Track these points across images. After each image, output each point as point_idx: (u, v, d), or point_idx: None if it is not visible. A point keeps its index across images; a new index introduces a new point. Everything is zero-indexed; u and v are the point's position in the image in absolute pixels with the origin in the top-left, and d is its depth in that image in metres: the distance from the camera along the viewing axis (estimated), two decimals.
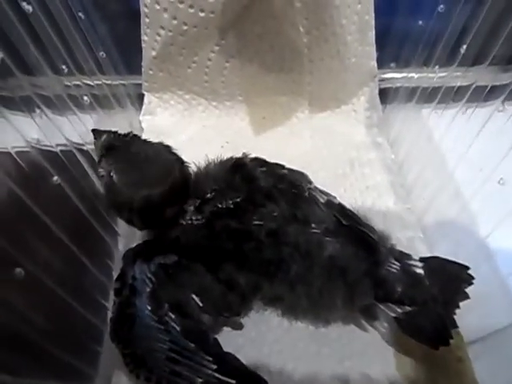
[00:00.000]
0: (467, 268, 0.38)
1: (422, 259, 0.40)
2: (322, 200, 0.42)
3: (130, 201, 0.37)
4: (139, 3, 0.50)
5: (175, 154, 0.40)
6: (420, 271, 0.38)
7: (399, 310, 0.38)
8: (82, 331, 0.38)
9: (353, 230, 0.40)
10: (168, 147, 0.40)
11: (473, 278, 0.38)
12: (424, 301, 0.37)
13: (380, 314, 0.39)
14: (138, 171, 0.38)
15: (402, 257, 0.40)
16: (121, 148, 0.39)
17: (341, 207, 0.43)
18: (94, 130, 0.41)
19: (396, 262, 0.39)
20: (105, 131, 0.41)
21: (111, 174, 0.37)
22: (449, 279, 0.38)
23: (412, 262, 0.39)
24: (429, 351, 0.37)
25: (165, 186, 0.37)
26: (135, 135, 0.41)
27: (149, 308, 0.36)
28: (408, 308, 0.37)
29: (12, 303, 0.28)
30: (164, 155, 0.39)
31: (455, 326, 0.37)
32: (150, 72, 0.57)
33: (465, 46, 0.45)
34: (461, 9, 0.45)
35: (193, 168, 0.42)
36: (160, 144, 0.40)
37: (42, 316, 0.32)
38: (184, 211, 0.39)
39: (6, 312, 0.27)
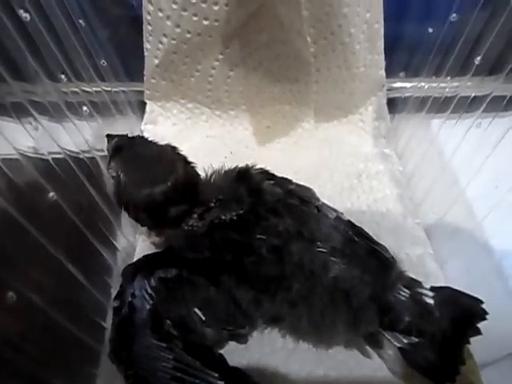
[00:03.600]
0: (481, 302, 0.36)
1: (433, 288, 0.38)
2: (330, 215, 0.41)
3: (135, 199, 0.37)
4: (142, 10, 0.49)
5: (180, 155, 0.40)
6: (430, 301, 0.36)
7: (405, 341, 0.36)
8: (76, 353, 0.36)
9: (364, 247, 0.38)
10: (174, 148, 0.41)
11: (486, 313, 0.35)
12: (432, 333, 0.35)
13: (384, 342, 0.37)
14: (142, 170, 0.38)
15: (412, 284, 0.38)
16: (127, 149, 0.40)
17: (351, 224, 0.41)
18: (107, 135, 0.42)
19: (405, 289, 0.37)
20: (117, 135, 0.42)
21: (118, 173, 0.38)
22: (461, 312, 0.36)
23: (422, 291, 0.37)
24: None
25: (166, 183, 0.37)
26: (142, 137, 0.42)
27: (149, 326, 0.35)
28: (415, 339, 0.36)
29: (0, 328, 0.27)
30: (169, 155, 0.40)
31: (463, 363, 0.35)
32: (153, 80, 0.56)
33: (479, 58, 0.43)
34: (475, 18, 0.44)
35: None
36: (167, 145, 0.41)
37: (34, 340, 0.30)
38: (190, 214, 0.38)
39: None
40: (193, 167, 0.41)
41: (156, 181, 0.37)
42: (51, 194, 0.33)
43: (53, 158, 0.34)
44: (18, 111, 0.31)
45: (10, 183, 0.29)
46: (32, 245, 0.30)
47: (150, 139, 0.42)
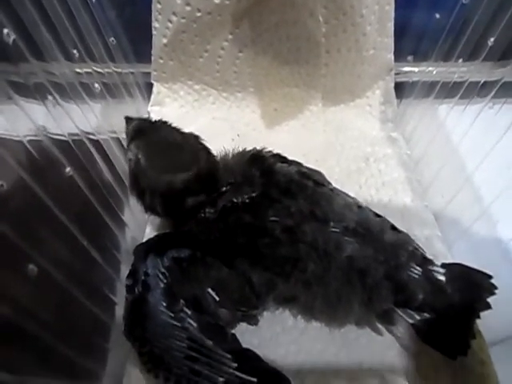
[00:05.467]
0: (490, 277, 0.37)
1: (443, 265, 0.38)
2: (350, 200, 0.41)
3: (154, 184, 0.37)
4: None
5: (203, 144, 0.40)
6: (441, 278, 0.37)
7: (418, 317, 0.36)
8: (88, 327, 0.36)
9: (377, 226, 0.39)
10: (197, 137, 0.40)
11: (495, 287, 0.36)
12: (444, 309, 0.36)
13: (397, 319, 0.38)
14: (165, 156, 0.38)
15: (424, 261, 0.38)
16: (150, 132, 0.39)
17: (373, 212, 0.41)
18: (126, 118, 0.41)
19: (417, 267, 0.37)
20: (137, 118, 0.41)
21: (139, 156, 0.37)
22: (470, 288, 0.37)
23: (434, 268, 0.38)
24: None
25: (189, 172, 0.37)
26: (165, 122, 0.41)
27: (164, 304, 0.35)
28: (427, 315, 0.36)
29: (17, 298, 0.27)
30: (192, 143, 0.39)
31: (474, 337, 0.36)
32: (160, 61, 0.55)
33: (492, 39, 0.43)
34: (488, 1, 0.43)
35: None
36: (190, 133, 0.40)
37: (48, 311, 0.30)
38: (205, 204, 0.38)
39: (11, 308, 0.26)
40: (214, 158, 0.40)
41: (178, 168, 0.37)
42: (68, 169, 0.33)
43: (71, 139, 0.34)
44: (37, 91, 0.31)
45: (32, 159, 0.29)
46: (50, 218, 0.30)
47: (173, 125, 0.41)
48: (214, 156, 0.40)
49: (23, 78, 0.29)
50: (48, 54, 0.34)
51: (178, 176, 0.36)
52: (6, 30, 0.27)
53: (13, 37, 0.28)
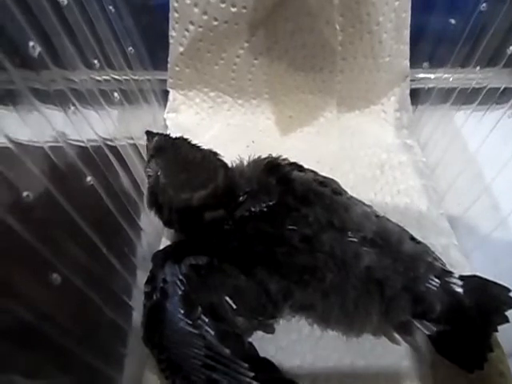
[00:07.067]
0: (508, 290, 0.36)
1: (461, 277, 0.38)
2: (367, 209, 0.41)
3: (172, 201, 0.38)
4: None
5: (221, 161, 0.41)
6: (460, 290, 0.37)
7: (434, 329, 0.36)
8: (106, 332, 0.36)
9: (395, 237, 0.38)
10: (215, 153, 0.41)
11: None
12: (461, 322, 0.36)
13: (414, 330, 0.38)
14: (183, 174, 0.38)
15: (442, 274, 0.38)
16: (170, 150, 0.40)
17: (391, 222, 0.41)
18: (147, 132, 0.43)
19: (436, 279, 0.37)
20: (157, 133, 0.42)
21: (158, 173, 0.38)
22: (488, 300, 0.36)
23: (452, 280, 0.37)
24: None
25: (206, 190, 0.37)
26: (185, 139, 0.42)
27: (181, 311, 0.35)
28: (444, 327, 0.36)
29: (40, 305, 0.27)
30: (211, 161, 0.40)
31: (491, 350, 0.35)
32: (177, 68, 0.56)
33: (511, 48, 0.42)
34: (507, 8, 0.43)
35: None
36: (209, 150, 0.41)
37: (68, 317, 0.30)
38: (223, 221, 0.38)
39: (32, 314, 0.26)
40: (232, 173, 0.41)
41: (196, 187, 0.37)
42: (89, 178, 0.33)
43: (91, 145, 0.35)
44: (58, 98, 0.32)
45: (54, 167, 0.29)
46: (71, 227, 0.31)
47: (192, 142, 0.42)
48: (232, 171, 0.41)
49: (45, 85, 0.30)
50: (69, 64, 0.34)
51: (195, 194, 0.37)
52: (31, 43, 0.28)
53: (38, 49, 0.28)
